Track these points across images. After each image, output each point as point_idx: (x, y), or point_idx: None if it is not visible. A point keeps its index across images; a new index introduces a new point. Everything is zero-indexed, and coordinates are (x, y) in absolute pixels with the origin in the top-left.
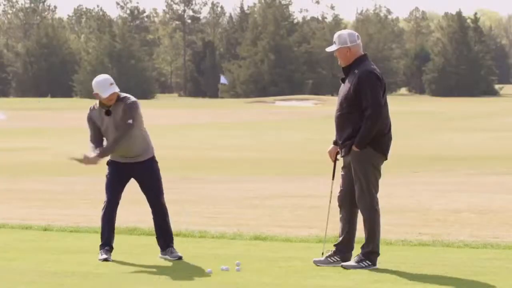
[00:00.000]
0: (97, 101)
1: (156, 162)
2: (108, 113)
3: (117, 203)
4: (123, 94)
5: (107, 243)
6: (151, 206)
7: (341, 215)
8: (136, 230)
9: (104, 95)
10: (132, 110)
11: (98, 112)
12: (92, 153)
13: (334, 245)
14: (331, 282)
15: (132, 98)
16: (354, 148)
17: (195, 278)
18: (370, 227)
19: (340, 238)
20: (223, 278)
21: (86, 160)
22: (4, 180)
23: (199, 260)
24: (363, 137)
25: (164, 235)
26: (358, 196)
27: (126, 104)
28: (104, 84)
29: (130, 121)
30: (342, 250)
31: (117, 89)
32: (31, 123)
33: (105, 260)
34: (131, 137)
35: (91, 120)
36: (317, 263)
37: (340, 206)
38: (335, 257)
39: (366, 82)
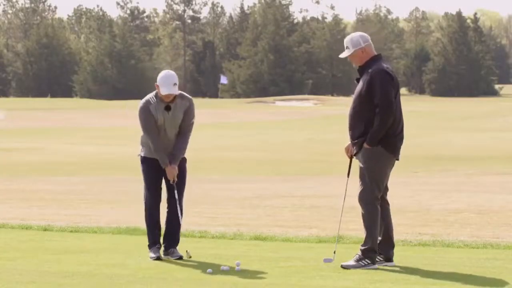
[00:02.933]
0: (152, 95)
1: (186, 163)
2: (168, 108)
3: (160, 201)
4: (179, 91)
5: (156, 242)
6: (171, 206)
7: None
8: (136, 230)
9: (164, 92)
10: (193, 110)
11: (156, 105)
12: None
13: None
14: (331, 282)
15: (189, 96)
16: (365, 145)
17: (195, 278)
18: (368, 224)
19: (379, 237)
20: (223, 278)
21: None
22: (4, 180)
23: (199, 260)
24: (374, 133)
25: (173, 237)
26: (360, 191)
27: (190, 103)
28: (169, 82)
29: (193, 120)
30: (383, 248)
31: (177, 92)
32: (31, 123)
33: (158, 258)
34: (177, 133)
35: (148, 111)
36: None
37: None
38: (378, 257)
39: (377, 80)
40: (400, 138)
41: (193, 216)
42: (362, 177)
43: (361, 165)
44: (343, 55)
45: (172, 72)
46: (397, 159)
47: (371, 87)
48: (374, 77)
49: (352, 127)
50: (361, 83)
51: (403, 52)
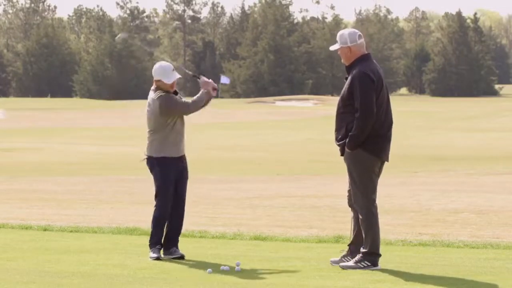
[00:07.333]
0: (160, 92)
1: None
2: (176, 93)
3: (171, 202)
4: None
5: (158, 242)
6: (175, 203)
7: (352, 215)
8: (136, 230)
9: (169, 81)
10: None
11: None
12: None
13: (348, 245)
14: (331, 282)
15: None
16: (346, 149)
17: (195, 278)
18: (366, 228)
19: (352, 238)
20: (223, 278)
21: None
22: (4, 180)
23: (199, 260)
24: (352, 138)
25: (175, 235)
26: (354, 197)
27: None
28: (168, 71)
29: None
30: (355, 250)
31: (178, 75)
32: (31, 123)
33: (157, 258)
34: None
35: (173, 97)
36: (332, 263)
37: (349, 206)
38: (349, 257)
39: (357, 83)
40: (386, 140)
41: (193, 216)
42: (351, 182)
43: (348, 170)
44: (332, 47)
45: (164, 62)
46: (386, 161)
47: (352, 90)
48: (355, 80)
49: (336, 129)
50: (346, 84)
51: (403, 52)
